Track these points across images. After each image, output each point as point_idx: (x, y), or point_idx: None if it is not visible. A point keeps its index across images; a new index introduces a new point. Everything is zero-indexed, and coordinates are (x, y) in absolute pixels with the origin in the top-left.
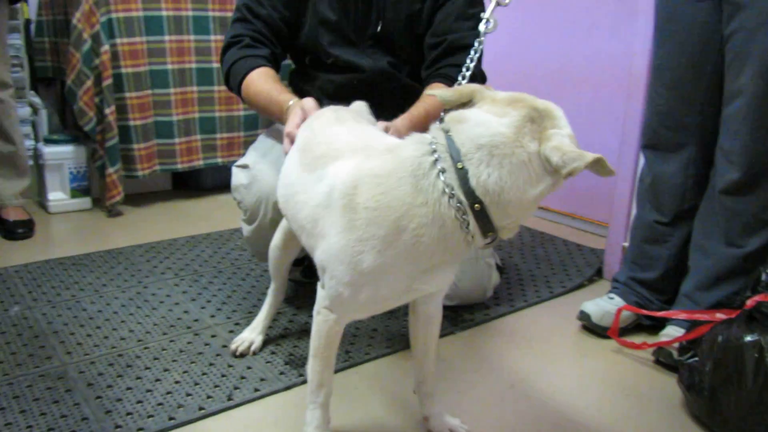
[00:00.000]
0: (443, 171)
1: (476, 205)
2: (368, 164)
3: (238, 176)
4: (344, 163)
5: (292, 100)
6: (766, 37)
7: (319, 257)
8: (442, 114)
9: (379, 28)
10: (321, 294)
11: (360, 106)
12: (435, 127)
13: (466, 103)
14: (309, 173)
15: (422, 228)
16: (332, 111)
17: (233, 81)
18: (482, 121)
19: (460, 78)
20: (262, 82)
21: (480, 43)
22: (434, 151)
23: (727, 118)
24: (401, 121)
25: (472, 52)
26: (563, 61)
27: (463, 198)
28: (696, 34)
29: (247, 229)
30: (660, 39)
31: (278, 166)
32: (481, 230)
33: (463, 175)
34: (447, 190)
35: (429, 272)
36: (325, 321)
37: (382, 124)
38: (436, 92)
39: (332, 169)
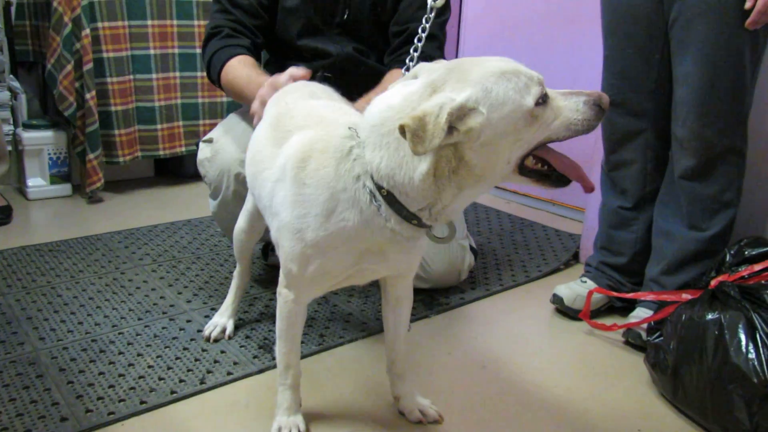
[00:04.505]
0: (357, 158)
1: (383, 190)
2: (317, 136)
3: (203, 150)
4: (303, 134)
5: (269, 80)
6: (705, 25)
7: (273, 235)
8: None
9: (345, 16)
10: (281, 274)
11: (328, 88)
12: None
13: None
14: (278, 148)
15: (345, 212)
16: (306, 86)
17: (213, 70)
18: (381, 98)
19: (407, 60)
20: (241, 68)
21: (428, 20)
22: (353, 135)
23: (676, 105)
24: (358, 104)
25: (419, 31)
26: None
27: (370, 183)
28: (641, 23)
29: (212, 204)
30: (608, 30)
31: (241, 141)
32: (400, 216)
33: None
34: (361, 176)
35: (377, 254)
36: (285, 302)
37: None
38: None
39: (291, 140)
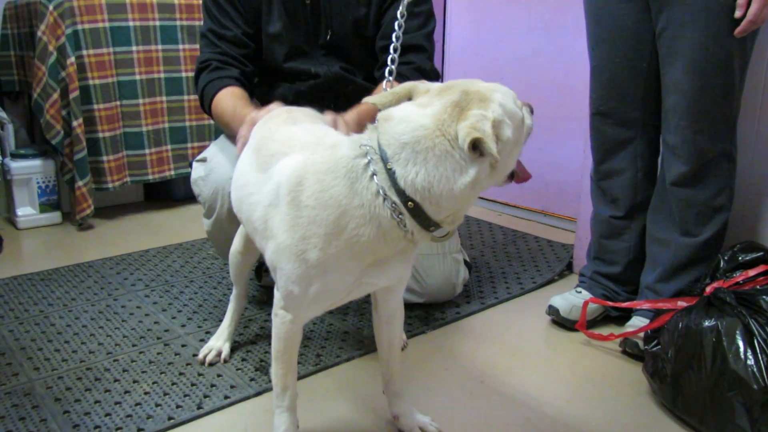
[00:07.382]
0: (375, 174)
1: (410, 203)
2: (312, 159)
3: (197, 170)
4: (292, 158)
5: (252, 113)
6: (694, 33)
7: (269, 258)
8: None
9: (329, 36)
10: (276, 296)
11: (310, 110)
12: (370, 127)
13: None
14: (263, 173)
15: (360, 228)
16: (286, 111)
17: (205, 104)
18: (405, 116)
19: (386, 73)
20: (228, 100)
21: (398, 38)
22: (366, 153)
23: (666, 113)
24: (349, 114)
25: (393, 39)
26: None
27: (396, 198)
28: (628, 33)
29: (206, 224)
30: (594, 41)
31: (235, 159)
32: (421, 225)
33: (392, 176)
34: (381, 192)
35: (378, 266)
36: (282, 323)
37: (330, 115)
38: (370, 99)
39: (280, 165)
